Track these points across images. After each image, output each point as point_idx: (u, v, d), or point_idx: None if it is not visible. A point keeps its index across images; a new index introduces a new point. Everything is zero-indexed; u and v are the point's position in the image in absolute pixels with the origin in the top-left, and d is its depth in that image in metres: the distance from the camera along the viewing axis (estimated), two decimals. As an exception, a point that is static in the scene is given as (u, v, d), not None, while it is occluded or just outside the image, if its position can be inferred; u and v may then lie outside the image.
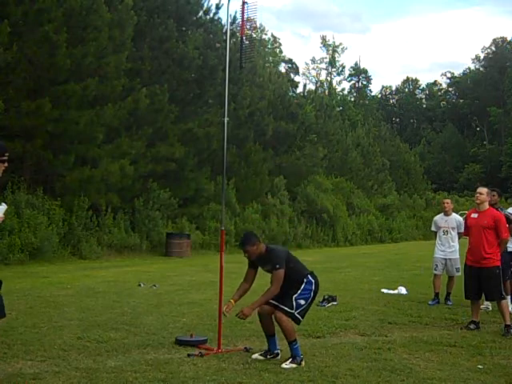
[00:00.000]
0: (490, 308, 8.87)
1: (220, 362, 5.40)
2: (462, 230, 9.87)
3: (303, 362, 5.41)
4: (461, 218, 10.12)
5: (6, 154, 4.42)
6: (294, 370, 5.22)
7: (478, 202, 7.45)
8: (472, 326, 7.37)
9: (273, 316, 5.59)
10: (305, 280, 5.60)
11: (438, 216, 10.12)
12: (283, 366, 5.35)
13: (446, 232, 9.78)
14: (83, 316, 7.47)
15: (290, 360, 5.41)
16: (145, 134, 19.09)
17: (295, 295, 5.50)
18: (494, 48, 72.68)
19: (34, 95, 16.13)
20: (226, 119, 6.31)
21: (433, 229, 10.17)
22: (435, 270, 9.83)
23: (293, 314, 5.48)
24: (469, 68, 76.54)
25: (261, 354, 5.66)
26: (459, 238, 9.87)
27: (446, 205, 9.91)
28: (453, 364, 5.59)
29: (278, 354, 5.67)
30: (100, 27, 17.02)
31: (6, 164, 4.42)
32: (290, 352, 5.48)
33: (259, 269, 5.77)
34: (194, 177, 21.48)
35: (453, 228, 9.74)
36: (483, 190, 7.47)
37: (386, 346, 6.24)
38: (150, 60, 20.02)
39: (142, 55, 19.82)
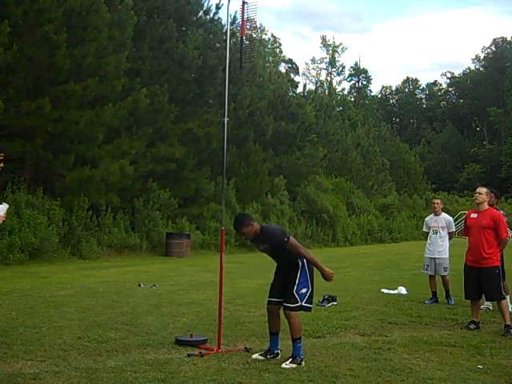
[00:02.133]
0: (491, 308, 8.88)
1: (220, 362, 5.39)
2: (453, 229, 10.07)
3: (303, 363, 5.41)
4: (450, 218, 10.26)
5: (1, 154, 4.41)
6: (294, 369, 5.21)
7: (477, 201, 7.45)
8: (472, 326, 7.37)
9: (281, 312, 5.61)
10: (299, 264, 5.54)
11: (429, 216, 10.19)
12: (283, 365, 5.34)
13: (436, 232, 9.83)
14: (83, 316, 7.46)
15: (291, 360, 5.41)
16: (145, 134, 19.09)
17: (295, 289, 5.49)
18: (494, 48, 72.74)
19: (34, 95, 16.13)
20: (226, 119, 6.31)
21: (424, 229, 10.21)
22: (427, 270, 9.87)
23: (300, 305, 5.49)
24: (469, 68, 76.71)
25: (261, 354, 5.65)
26: (450, 238, 9.92)
27: (436, 205, 9.97)
28: (453, 364, 5.58)
29: (277, 354, 5.66)
30: (100, 27, 17.01)
31: (1, 164, 4.41)
32: (292, 351, 5.47)
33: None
34: (193, 177, 21.48)
35: (442, 227, 9.81)
36: (482, 189, 7.46)
37: (386, 346, 6.23)
38: (150, 60, 20.02)
39: (142, 55, 19.81)
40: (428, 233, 9.99)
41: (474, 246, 7.39)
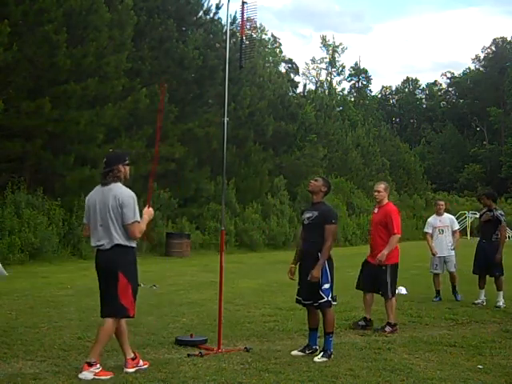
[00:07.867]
0: (485, 303, 8.96)
1: (220, 362, 5.38)
2: (458, 226, 10.23)
3: (332, 356, 5.61)
4: (453, 216, 10.49)
5: None
6: (294, 370, 5.21)
7: (377, 200, 7.32)
8: (361, 323, 7.18)
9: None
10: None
11: (431, 217, 10.25)
12: (315, 359, 5.51)
13: (441, 231, 9.92)
14: (83, 316, 7.46)
15: (322, 353, 5.59)
16: (145, 134, 19.09)
17: (319, 286, 5.65)
18: (494, 48, 72.73)
19: (34, 95, 16.13)
20: (226, 119, 6.30)
21: (426, 230, 10.18)
22: (435, 269, 9.87)
23: (327, 301, 5.69)
24: (469, 68, 76.68)
25: (300, 350, 5.74)
26: (455, 237, 9.98)
27: (440, 206, 10.09)
28: (453, 364, 5.58)
29: (316, 350, 5.75)
30: (100, 27, 17.03)
31: None
32: (324, 344, 5.66)
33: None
34: (193, 177, 21.50)
35: (447, 226, 9.94)
36: (380, 186, 7.28)
37: (386, 345, 6.23)
38: (150, 60, 20.03)
39: (142, 55, 19.83)
40: (429, 233, 10.02)
41: (371, 243, 7.35)
